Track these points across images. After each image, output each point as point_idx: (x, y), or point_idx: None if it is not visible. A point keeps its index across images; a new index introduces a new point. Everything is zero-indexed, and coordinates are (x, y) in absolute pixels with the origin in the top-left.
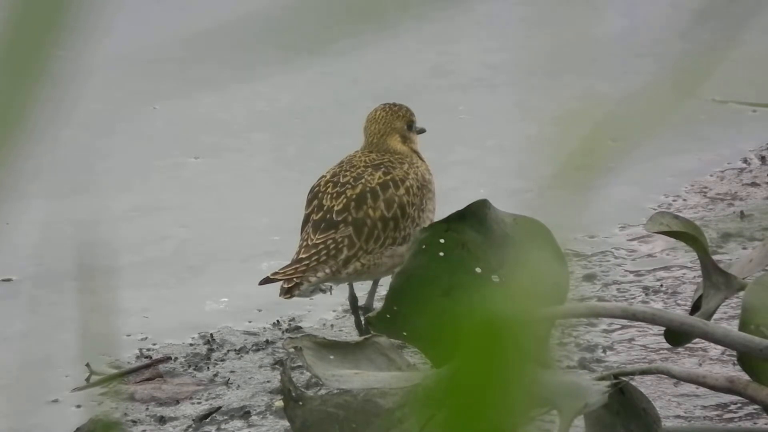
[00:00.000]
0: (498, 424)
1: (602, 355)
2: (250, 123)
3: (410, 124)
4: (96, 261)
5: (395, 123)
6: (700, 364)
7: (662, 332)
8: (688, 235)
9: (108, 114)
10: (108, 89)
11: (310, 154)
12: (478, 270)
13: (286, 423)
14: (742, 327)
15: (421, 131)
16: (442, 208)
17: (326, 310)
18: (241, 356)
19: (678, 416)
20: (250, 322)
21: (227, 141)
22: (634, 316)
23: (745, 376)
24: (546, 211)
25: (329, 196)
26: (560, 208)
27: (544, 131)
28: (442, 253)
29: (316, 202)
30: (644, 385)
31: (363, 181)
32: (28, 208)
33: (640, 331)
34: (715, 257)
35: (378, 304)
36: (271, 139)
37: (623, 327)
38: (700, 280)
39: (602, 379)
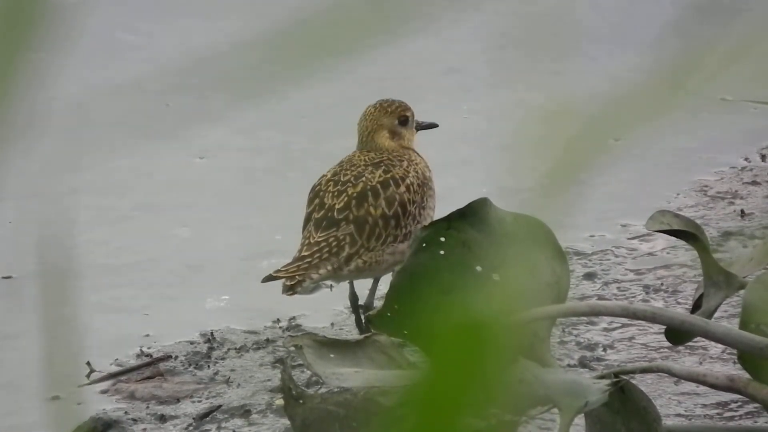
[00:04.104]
0: (477, 425)
1: (602, 353)
2: (255, 122)
3: (403, 119)
4: (97, 260)
5: (382, 119)
6: (701, 363)
7: (663, 331)
8: (689, 234)
9: (114, 112)
10: (116, 87)
11: (316, 154)
12: (478, 269)
13: (286, 421)
14: (743, 326)
15: (430, 126)
16: (444, 206)
17: (327, 309)
18: (242, 355)
19: (678, 415)
20: (250, 320)
21: (232, 140)
22: (634, 315)
23: (746, 375)
24: (542, 209)
25: (330, 194)
26: (555, 206)
27: (544, 130)
28: (442, 252)
29: (317, 200)
30: (645, 383)
31: (364, 179)
32: (29, 207)
33: (640, 330)
34: (715, 256)
35: (378, 303)
36: (276, 138)
37: (623, 325)
38: (700, 278)
39: (603, 377)
